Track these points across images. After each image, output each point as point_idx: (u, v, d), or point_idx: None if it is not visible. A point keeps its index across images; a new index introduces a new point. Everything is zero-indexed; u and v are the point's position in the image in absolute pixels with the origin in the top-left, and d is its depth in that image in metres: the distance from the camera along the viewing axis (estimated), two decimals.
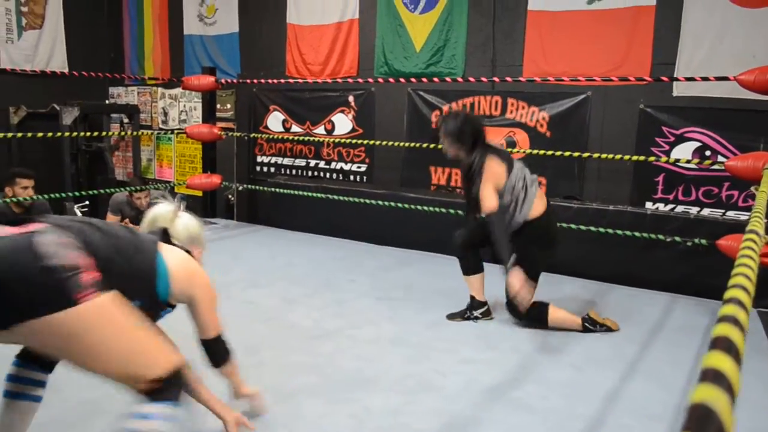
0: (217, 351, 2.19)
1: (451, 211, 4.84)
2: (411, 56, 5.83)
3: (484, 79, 4.79)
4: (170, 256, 1.96)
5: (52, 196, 5.35)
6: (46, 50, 8.01)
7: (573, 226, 4.45)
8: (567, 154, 4.65)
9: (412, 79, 5.25)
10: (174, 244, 2.12)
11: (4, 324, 1.49)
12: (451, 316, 3.66)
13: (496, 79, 4.72)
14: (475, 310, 3.63)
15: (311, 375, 2.82)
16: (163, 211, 2.20)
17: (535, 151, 4.84)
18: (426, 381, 2.79)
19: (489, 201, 3.20)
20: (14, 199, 4.65)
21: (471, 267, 3.60)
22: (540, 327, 3.44)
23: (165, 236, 2.13)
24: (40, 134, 5.01)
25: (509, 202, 3.28)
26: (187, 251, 2.14)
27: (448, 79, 5.22)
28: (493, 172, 3.25)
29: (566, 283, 4.39)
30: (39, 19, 7.95)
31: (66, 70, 7.87)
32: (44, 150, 7.37)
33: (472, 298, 3.64)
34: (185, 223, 2.22)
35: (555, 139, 5.07)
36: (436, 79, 5.15)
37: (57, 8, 8.05)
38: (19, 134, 5.24)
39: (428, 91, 5.77)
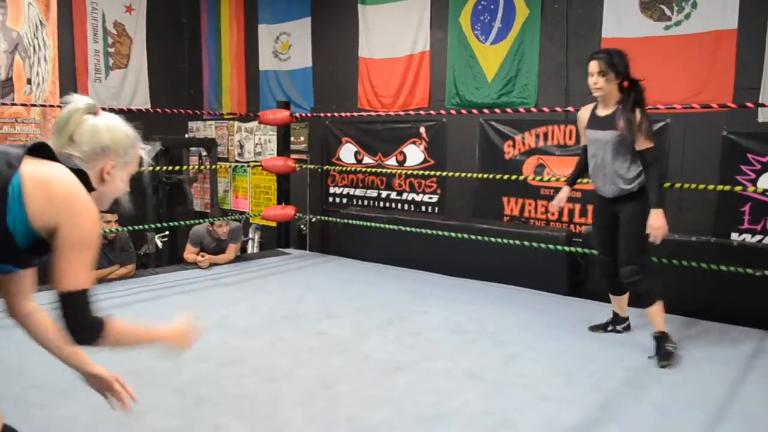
0: (77, 313, 1.48)
1: (525, 243, 4.76)
2: (482, 87, 5.83)
3: (558, 109, 4.72)
4: (34, 171, 1.45)
5: (135, 228, 5.57)
6: (131, 88, 8.45)
7: (655, 259, 4.29)
8: None
9: (485, 110, 5.24)
10: (69, 158, 1.55)
11: None
12: (594, 328, 3.91)
13: (570, 108, 4.65)
14: (618, 324, 3.88)
15: (387, 410, 2.80)
16: (69, 108, 1.59)
17: None
18: (503, 419, 2.72)
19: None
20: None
21: (622, 288, 3.76)
22: (641, 305, 3.55)
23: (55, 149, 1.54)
24: None
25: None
26: (96, 170, 1.61)
27: (521, 109, 5.18)
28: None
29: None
30: (124, 59, 8.41)
31: (149, 107, 8.26)
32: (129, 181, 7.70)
33: (616, 314, 3.89)
34: (96, 124, 1.61)
35: None
36: (508, 110, 5.12)
37: (141, 48, 8.50)
38: None
39: (500, 121, 5.74)
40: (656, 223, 3.34)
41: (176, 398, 2.88)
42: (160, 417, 2.66)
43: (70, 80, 7.76)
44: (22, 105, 7.01)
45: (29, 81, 7.42)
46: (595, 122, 3.51)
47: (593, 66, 3.37)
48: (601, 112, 3.48)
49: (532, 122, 5.53)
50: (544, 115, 5.25)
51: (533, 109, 5.12)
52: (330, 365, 3.35)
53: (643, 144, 3.34)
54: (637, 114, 3.31)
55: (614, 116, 3.39)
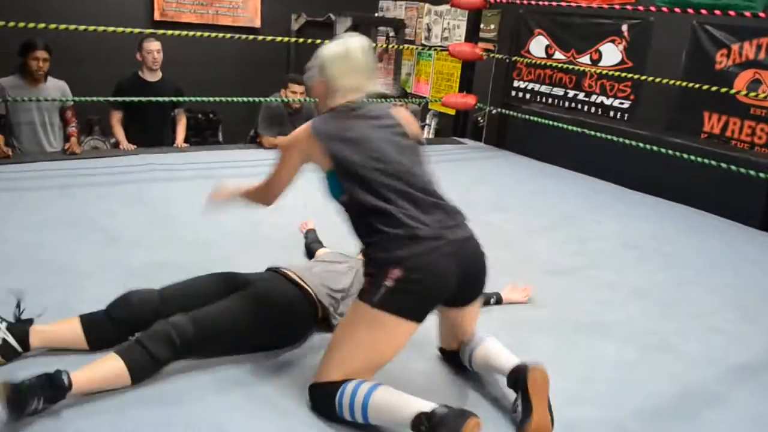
0: None
1: (723, 165, 4.33)
2: None
3: None
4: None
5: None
6: None
7: None
8: None
9: (702, 11, 4.66)
10: None
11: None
12: None
13: None
14: None
15: (544, 309, 2.79)
16: None
17: None
18: (664, 342, 2.60)
19: None
20: (285, 99, 5.14)
21: None
22: None
23: None
24: (318, 41, 5.38)
25: None
26: None
27: (747, 13, 4.55)
28: None
29: None
30: None
31: None
32: None
33: None
34: None
35: None
36: (731, 13, 4.51)
37: None
38: (301, 39, 5.67)
39: (717, 25, 5.11)
40: None
41: None
42: None
43: None
44: None
45: None
46: None
47: None
48: None
49: (755, 30, 4.86)
50: None
51: (761, 15, 4.47)
52: (493, 256, 3.34)
53: None
54: None
55: None
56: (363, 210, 1.95)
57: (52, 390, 1.74)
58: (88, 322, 2.10)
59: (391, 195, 1.93)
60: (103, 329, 2.10)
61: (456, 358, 2.20)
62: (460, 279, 1.92)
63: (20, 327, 2.03)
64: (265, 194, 2.26)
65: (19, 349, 2.01)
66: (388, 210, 1.90)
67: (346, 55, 2.08)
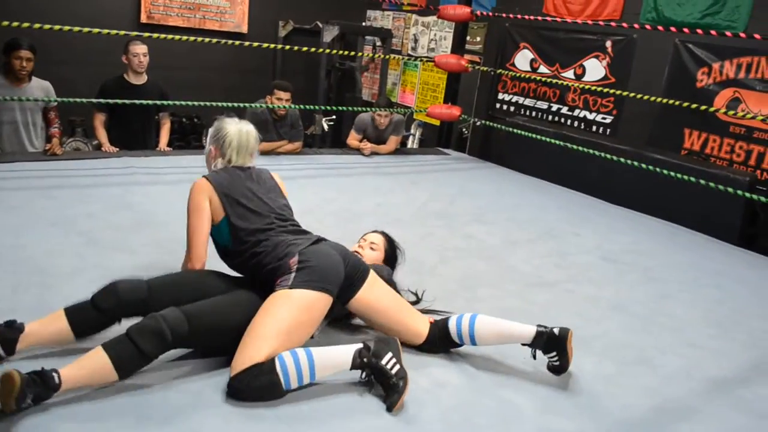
0: None
1: (702, 181, 4.40)
2: (685, 3, 5.28)
3: None
4: None
5: (306, 107, 5.80)
6: None
7: None
8: None
9: (684, 30, 4.74)
10: None
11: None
12: None
13: None
14: None
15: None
16: None
17: None
18: (642, 356, 2.63)
19: None
20: (271, 106, 5.12)
21: None
22: None
23: None
24: (304, 48, 5.41)
25: None
26: None
27: (728, 33, 4.64)
28: None
29: None
30: None
31: None
32: (304, 63, 7.98)
33: None
34: None
35: None
36: (712, 32, 4.60)
37: None
38: (287, 46, 5.69)
39: (699, 44, 5.21)
40: None
41: None
42: None
43: None
44: None
45: None
46: None
47: None
48: None
49: (736, 50, 4.96)
50: (753, 43, 4.65)
51: (742, 35, 4.56)
52: (473, 268, 3.38)
53: None
54: None
55: None
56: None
57: (44, 388, 1.75)
58: (73, 315, 2.09)
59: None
60: (89, 319, 2.10)
61: (435, 344, 2.41)
62: (345, 266, 2.29)
63: (9, 334, 2.01)
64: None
65: (3, 354, 1.99)
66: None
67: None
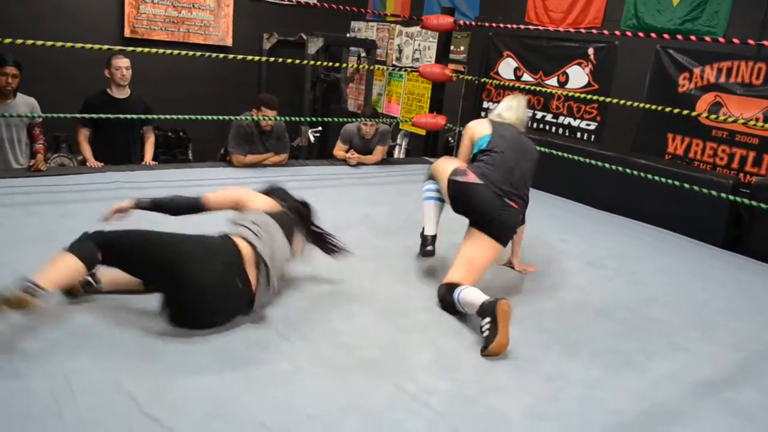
0: None
1: (686, 185, 4.43)
2: (666, 10, 5.34)
3: (750, 42, 4.21)
4: None
5: (292, 119, 5.80)
6: None
7: None
8: None
9: (665, 36, 4.79)
10: None
11: None
12: None
13: (765, 42, 4.13)
14: None
15: (510, 328, 2.80)
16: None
17: None
18: (628, 360, 2.64)
19: None
20: (257, 119, 5.11)
21: None
22: None
23: None
24: (289, 60, 5.41)
25: None
26: None
27: (707, 38, 4.69)
28: None
29: None
30: None
31: (316, 2, 8.36)
32: (289, 75, 7.98)
33: None
34: None
35: None
36: (692, 38, 4.65)
37: None
38: (272, 59, 5.69)
39: (680, 50, 5.27)
40: None
41: (311, 284, 3.05)
42: (295, 299, 2.84)
43: None
44: None
45: None
46: None
47: None
48: None
49: (716, 54, 5.02)
50: (733, 48, 4.71)
51: (721, 40, 4.62)
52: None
53: None
54: None
55: None
56: None
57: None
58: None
59: None
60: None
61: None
62: None
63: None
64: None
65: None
66: None
67: None
